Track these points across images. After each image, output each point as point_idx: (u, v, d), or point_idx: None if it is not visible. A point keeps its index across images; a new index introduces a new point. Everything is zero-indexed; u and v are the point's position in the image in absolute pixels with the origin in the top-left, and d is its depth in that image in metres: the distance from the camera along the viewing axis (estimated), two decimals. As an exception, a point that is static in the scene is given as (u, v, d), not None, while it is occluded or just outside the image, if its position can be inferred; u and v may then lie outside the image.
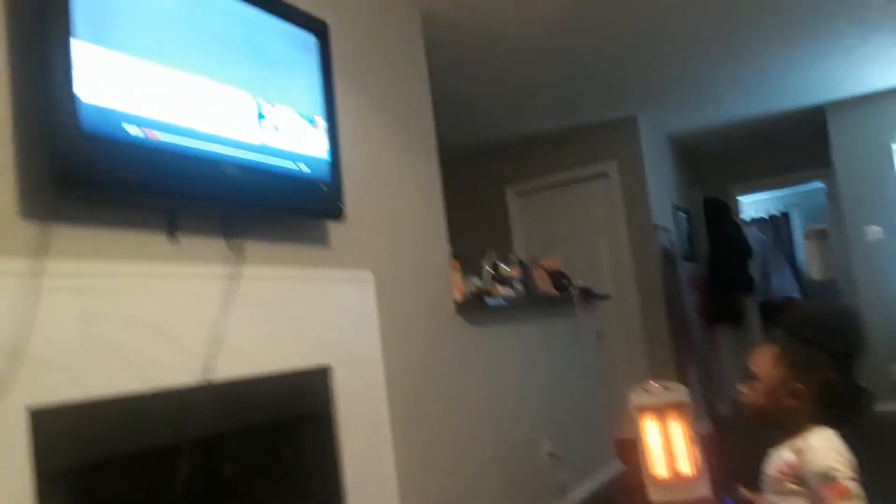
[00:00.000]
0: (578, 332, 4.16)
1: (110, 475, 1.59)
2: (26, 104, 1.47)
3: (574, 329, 4.11)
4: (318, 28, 2.19)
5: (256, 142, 1.87)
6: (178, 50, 1.68)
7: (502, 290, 3.29)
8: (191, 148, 1.68)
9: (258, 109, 1.89)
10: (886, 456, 3.62)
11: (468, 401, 2.97)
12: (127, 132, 1.53)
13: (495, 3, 3.25)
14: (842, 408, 1.46)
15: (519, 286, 3.48)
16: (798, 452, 1.44)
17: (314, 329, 2.15)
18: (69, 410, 1.45)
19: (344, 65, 2.50)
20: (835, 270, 6.91)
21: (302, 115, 2.06)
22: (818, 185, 6.60)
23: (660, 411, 3.57)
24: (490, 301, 3.15)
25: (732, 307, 6.44)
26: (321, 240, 2.29)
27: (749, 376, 1.57)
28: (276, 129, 1.94)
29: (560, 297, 3.88)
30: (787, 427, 1.50)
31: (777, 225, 8.16)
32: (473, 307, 3.07)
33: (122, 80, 1.53)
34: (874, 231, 5.49)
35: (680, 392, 3.59)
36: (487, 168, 5.93)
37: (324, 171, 2.12)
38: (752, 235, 7.20)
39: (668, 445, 3.53)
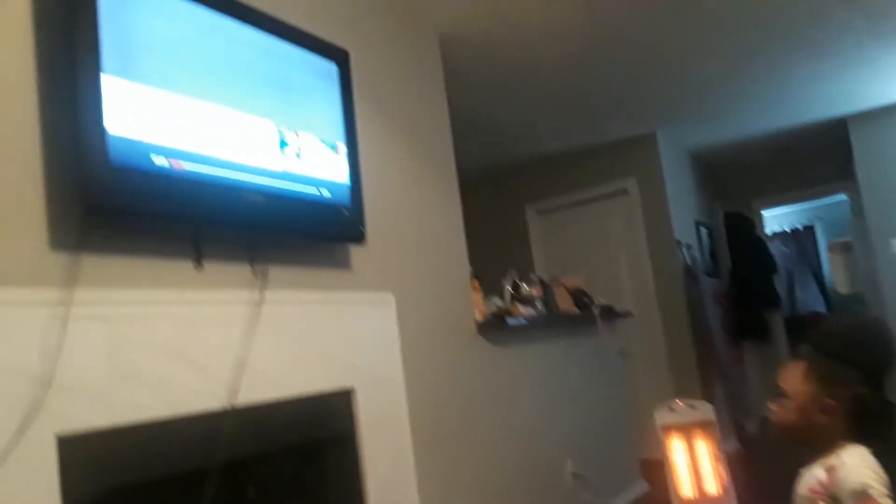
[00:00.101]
0: (601, 350, 4.14)
1: (137, 501, 1.60)
2: (56, 138, 1.51)
3: (597, 347, 4.09)
4: (339, 56, 2.23)
5: (279, 168, 1.91)
6: (202, 81, 1.72)
7: (523, 310, 3.28)
8: (215, 176, 1.71)
9: (281, 137, 1.93)
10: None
11: (490, 421, 2.96)
12: (153, 163, 1.56)
13: (512, 25, 3.27)
14: (873, 423, 1.43)
15: (540, 305, 3.47)
16: (830, 470, 1.42)
17: (337, 352, 2.17)
18: (96, 437, 1.47)
19: (364, 90, 2.54)
20: (861, 283, 6.81)
21: (324, 142, 2.09)
22: (842, 197, 6.53)
23: (686, 430, 3.53)
24: (511, 321, 3.14)
25: (758, 323, 6.36)
26: (343, 263, 2.31)
27: (778, 393, 1.55)
28: (299, 155, 1.98)
29: (582, 315, 3.86)
30: (818, 445, 1.48)
31: (801, 238, 8.07)
32: (494, 327, 3.07)
33: (148, 112, 1.57)
34: (900, 243, 5.42)
35: (706, 410, 3.55)
36: (507, 187, 5.95)
37: (345, 196, 2.15)
38: (775, 249, 7.13)
39: (695, 465, 3.48)
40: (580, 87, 4.22)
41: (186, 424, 1.67)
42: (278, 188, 1.89)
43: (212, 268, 1.83)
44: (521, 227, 5.89)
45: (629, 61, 3.92)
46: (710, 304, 5.52)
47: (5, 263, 1.40)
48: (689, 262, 5.38)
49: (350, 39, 2.51)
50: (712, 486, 3.41)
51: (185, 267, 1.76)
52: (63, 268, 1.48)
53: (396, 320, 2.46)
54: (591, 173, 5.60)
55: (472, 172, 5.58)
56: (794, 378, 1.52)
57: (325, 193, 2.06)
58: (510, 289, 3.38)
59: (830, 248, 7.94)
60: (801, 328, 6.67)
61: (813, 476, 1.47)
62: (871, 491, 1.33)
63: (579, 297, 3.93)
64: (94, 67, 1.46)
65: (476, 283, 3.06)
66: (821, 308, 7.67)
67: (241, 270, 1.91)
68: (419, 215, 2.80)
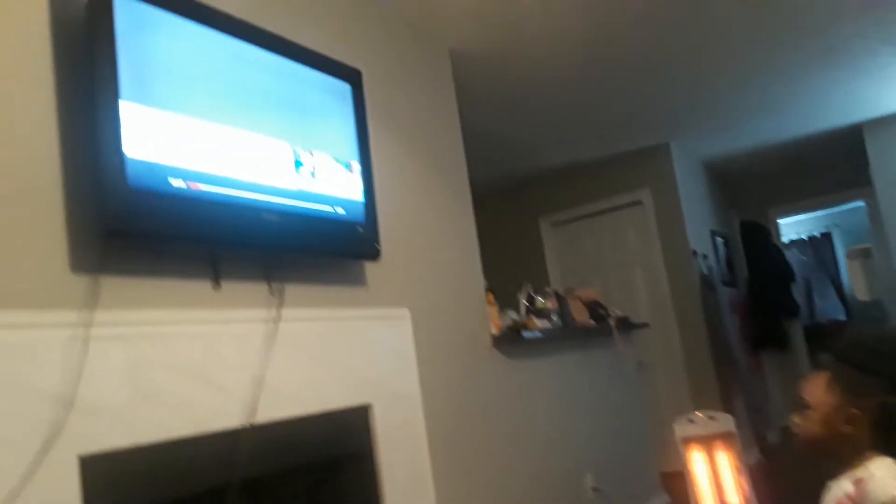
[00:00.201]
0: (618, 362, 4.12)
1: (158, 519, 1.62)
2: (76, 163, 1.55)
3: (614, 359, 4.07)
4: (352, 76, 2.26)
5: (294, 188, 1.93)
6: (218, 105, 1.75)
7: (539, 323, 3.28)
8: (232, 197, 1.74)
9: (296, 157, 1.95)
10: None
11: (508, 435, 2.96)
12: (171, 185, 1.59)
13: (523, 41, 3.30)
14: None
15: (555, 318, 3.47)
16: (858, 483, 1.38)
17: (353, 368, 2.18)
18: (118, 456, 1.49)
19: (377, 109, 2.57)
20: (880, 290, 6.74)
21: (338, 161, 2.11)
22: (859, 204, 6.49)
23: (706, 442, 3.51)
24: (527, 334, 3.14)
25: (776, 332, 6.31)
26: (358, 280, 2.33)
27: (801, 405, 1.52)
28: (313, 174, 2.00)
29: (598, 327, 3.85)
30: (844, 457, 1.44)
31: (818, 246, 8.01)
32: (510, 340, 3.07)
33: (165, 136, 1.60)
34: (919, 249, 5.37)
35: (726, 421, 3.53)
36: (520, 200, 5.96)
37: (359, 213, 2.17)
38: (793, 257, 7.08)
39: (716, 477, 3.46)
40: (592, 99, 4.23)
41: (206, 443, 1.68)
42: (294, 207, 1.92)
43: (229, 287, 1.85)
44: (536, 239, 5.89)
45: (641, 73, 3.93)
46: (727, 313, 5.49)
47: (28, 286, 1.42)
48: (705, 271, 5.35)
49: (363, 59, 2.55)
50: (734, 499, 3.39)
51: (203, 287, 1.78)
52: (84, 290, 1.51)
53: (412, 335, 2.47)
54: (604, 185, 5.60)
55: (485, 186, 5.61)
56: (817, 389, 1.49)
57: (340, 211, 2.08)
58: (525, 302, 3.38)
59: (848, 255, 7.87)
60: (820, 336, 6.61)
61: (841, 489, 1.43)
62: None
63: (595, 308, 3.92)
64: (113, 94, 1.49)
65: (491, 297, 3.06)
66: (840, 316, 7.60)
67: (259, 289, 1.93)
68: (433, 230, 2.82)
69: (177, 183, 1.60)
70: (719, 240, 6.05)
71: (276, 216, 1.85)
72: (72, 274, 1.50)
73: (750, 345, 6.04)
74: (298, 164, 1.95)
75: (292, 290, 2.02)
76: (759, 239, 6.45)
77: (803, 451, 1.51)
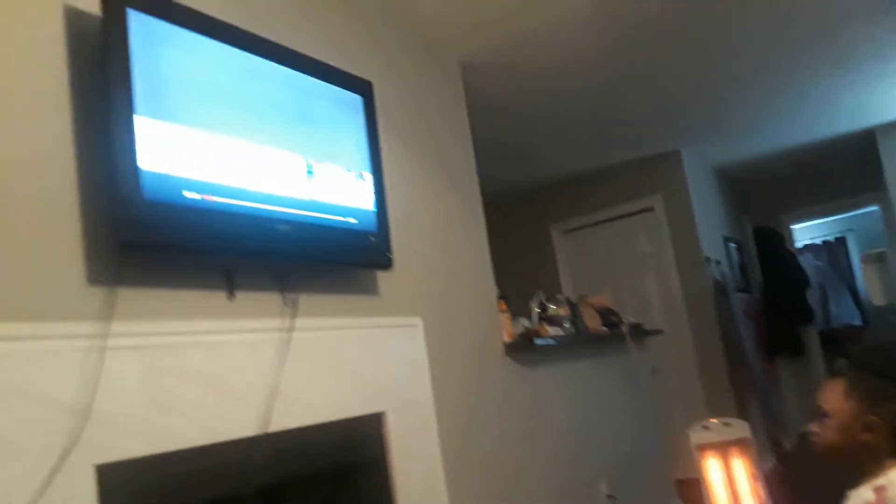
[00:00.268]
0: (632, 369, 4.11)
1: (175, 527, 1.63)
2: (92, 178, 1.57)
3: (627, 366, 4.06)
4: (363, 88, 2.28)
5: (307, 199, 1.95)
6: (231, 118, 1.77)
7: (551, 330, 3.28)
8: (246, 208, 1.76)
9: (308, 168, 1.97)
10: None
11: (521, 442, 2.96)
12: (185, 197, 1.61)
13: (534, 50, 3.31)
14: None
15: (568, 325, 3.47)
16: (879, 490, 1.36)
17: (367, 376, 2.19)
18: (134, 465, 1.50)
19: (388, 119, 2.60)
20: (896, 295, 6.68)
21: (350, 171, 2.13)
22: (873, 208, 6.44)
23: (721, 449, 3.49)
24: (539, 341, 3.15)
25: (791, 337, 6.27)
26: (371, 289, 2.34)
27: (819, 413, 1.50)
28: (325, 185, 2.02)
29: (610, 334, 3.85)
30: (864, 465, 1.42)
31: (833, 251, 7.95)
32: (522, 348, 3.08)
33: (179, 150, 1.62)
34: (935, 252, 5.33)
35: (741, 428, 3.51)
36: (532, 208, 5.97)
37: (371, 223, 2.18)
38: (807, 263, 7.04)
39: (732, 484, 3.44)
40: (603, 107, 4.24)
41: (221, 451, 1.70)
42: (306, 218, 1.93)
43: (243, 297, 1.87)
44: (547, 247, 5.89)
45: (651, 81, 3.93)
46: (741, 319, 5.46)
47: (45, 299, 1.44)
48: (718, 277, 5.33)
49: (374, 70, 2.58)
50: (750, 506, 3.36)
51: (217, 297, 1.80)
52: (100, 302, 1.53)
53: (425, 343, 2.49)
54: (615, 192, 5.60)
55: (496, 194, 5.62)
56: (834, 396, 1.47)
57: (352, 221, 2.10)
58: (537, 309, 3.38)
59: (864, 260, 7.81)
60: (836, 342, 6.56)
61: (861, 497, 1.40)
62: None
63: (607, 315, 3.92)
64: (128, 109, 1.52)
65: (503, 305, 3.07)
66: (856, 321, 7.53)
67: (272, 299, 1.95)
68: (445, 239, 2.83)
69: (191, 195, 1.62)
70: (732, 246, 6.02)
71: (289, 227, 1.87)
72: (88, 286, 1.52)
73: (765, 351, 6.00)
74: (311, 174, 1.97)
75: (306, 299, 2.04)
76: (772, 244, 6.42)
77: (822, 459, 1.49)
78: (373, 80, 2.36)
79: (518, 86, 3.71)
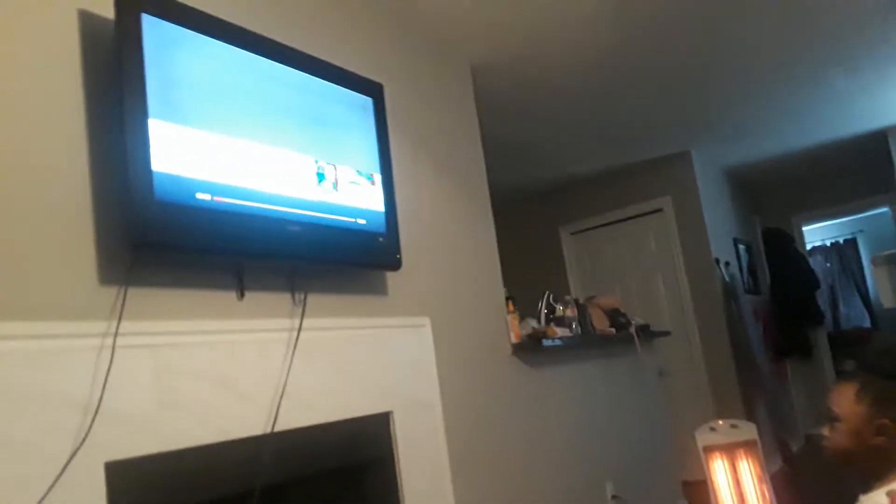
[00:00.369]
0: (639, 370, 4.11)
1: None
2: (105, 180, 1.59)
3: (635, 367, 4.06)
4: (374, 90, 2.29)
5: (317, 200, 1.96)
6: (243, 121, 1.79)
7: (559, 331, 3.29)
8: (256, 209, 1.77)
9: (319, 170, 1.99)
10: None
11: (527, 443, 2.97)
12: (197, 198, 1.63)
13: (544, 52, 3.31)
14: None
15: (575, 326, 3.47)
16: (893, 495, 1.36)
17: (375, 376, 2.21)
18: (143, 463, 1.53)
19: (399, 121, 2.61)
20: (907, 298, 6.64)
21: (360, 173, 2.15)
22: (884, 209, 6.41)
23: (728, 450, 3.49)
24: (546, 342, 3.15)
25: (800, 339, 6.25)
26: (379, 289, 2.36)
27: (830, 417, 1.49)
28: (336, 187, 2.03)
29: (618, 335, 3.85)
30: (877, 469, 1.42)
31: (842, 252, 7.92)
32: (530, 349, 3.08)
33: (192, 152, 1.64)
34: (947, 255, 5.29)
35: (748, 430, 3.50)
36: (540, 209, 5.97)
37: (381, 224, 2.20)
38: (817, 264, 7.01)
39: (738, 486, 3.44)
40: (613, 108, 4.24)
41: (229, 449, 1.71)
42: (317, 219, 1.95)
43: (253, 297, 1.89)
44: (556, 248, 5.89)
45: (661, 82, 3.92)
46: (750, 321, 5.45)
47: (57, 298, 1.46)
48: (727, 279, 5.32)
49: (385, 73, 2.60)
50: (756, 508, 3.36)
51: (227, 297, 1.82)
52: (111, 301, 1.55)
53: (433, 344, 2.50)
54: (625, 193, 5.59)
55: (505, 195, 5.63)
56: (845, 400, 1.47)
57: (362, 222, 2.12)
58: (545, 310, 3.39)
59: (874, 262, 7.76)
60: (845, 344, 6.54)
61: (874, 502, 1.40)
62: None
63: (615, 316, 3.92)
64: (141, 112, 1.54)
65: (511, 305, 3.08)
66: (865, 323, 7.50)
67: (282, 299, 1.97)
68: (453, 240, 2.84)
69: (203, 196, 1.64)
70: (742, 247, 6.01)
71: (299, 228, 1.89)
72: (100, 286, 1.54)
73: (773, 352, 5.98)
74: (321, 176, 1.99)
75: (315, 299, 2.06)
76: (782, 246, 6.40)
77: (833, 463, 1.48)
78: (383, 83, 2.37)
79: (528, 88, 3.72)
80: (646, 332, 4.11)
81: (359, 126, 2.19)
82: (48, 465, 1.36)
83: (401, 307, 2.43)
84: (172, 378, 1.62)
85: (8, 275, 1.40)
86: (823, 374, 6.33)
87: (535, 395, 3.11)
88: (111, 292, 1.56)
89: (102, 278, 1.55)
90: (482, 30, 3.03)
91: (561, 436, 3.23)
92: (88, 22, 1.65)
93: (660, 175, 5.43)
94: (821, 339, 6.46)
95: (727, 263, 5.44)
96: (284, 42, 2.02)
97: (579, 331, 3.50)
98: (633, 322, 4.01)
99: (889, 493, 1.37)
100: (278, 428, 1.83)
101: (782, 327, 6.16)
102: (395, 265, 2.26)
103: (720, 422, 3.59)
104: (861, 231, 7.84)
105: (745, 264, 5.98)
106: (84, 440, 1.42)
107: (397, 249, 2.25)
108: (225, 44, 1.79)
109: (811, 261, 6.86)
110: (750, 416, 4.92)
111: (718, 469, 3.49)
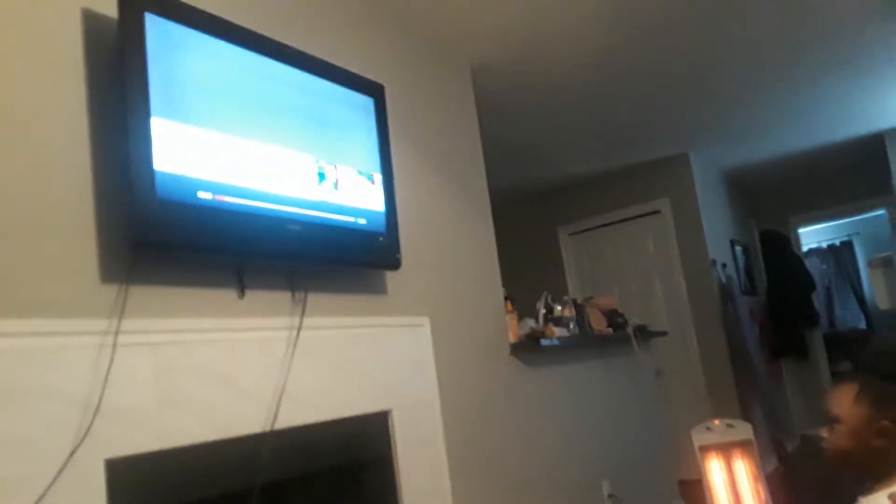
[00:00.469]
0: (636, 370, 4.12)
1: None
2: (107, 178, 1.60)
3: (632, 367, 4.07)
4: (375, 91, 2.30)
5: (318, 199, 1.97)
6: (245, 120, 1.80)
7: (557, 331, 3.30)
8: (257, 208, 1.78)
9: (319, 169, 2.00)
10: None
11: (525, 442, 2.98)
12: (199, 197, 1.63)
13: (543, 53, 3.32)
14: None
15: (573, 326, 3.48)
16: (894, 498, 1.36)
17: (374, 375, 2.22)
18: (143, 460, 1.53)
19: (399, 121, 2.62)
20: (903, 299, 6.67)
21: (360, 173, 2.15)
22: (880, 212, 6.43)
23: (724, 450, 3.49)
24: (544, 342, 3.16)
25: (796, 340, 6.27)
26: (379, 289, 2.36)
27: (830, 419, 1.48)
28: (336, 186, 2.04)
29: (616, 335, 3.86)
30: (878, 470, 1.41)
31: (839, 254, 7.94)
32: (528, 348, 3.09)
33: (194, 151, 1.64)
34: (942, 258, 5.32)
35: (744, 430, 3.51)
36: (539, 210, 5.98)
37: (381, 224, 2.21)
38: (813, 266, 7.03)
39: (734, 486, 3.44)
40: (611, 110, 4.24)
41: (229, 447, 1.72)
42: (317, 218, 1.96)
43: (253, 296, 1.89)
44: (554, 248, 5.91)
45: (660, 84, 3.93)
46: (746, 322, 5.46)
47: (59, 296, 1.47)
48: (724, 280, 5.34)
49: (386, 74, 2.60)
50: (752, 508, 3.37)
51: (228, 296, 1.83)
52: (112, 299, 1.55)
53: (431, 343, 2.51)
54: (623, 195, 5.61)
55: (504, 196, 5.64)
56: (844, 402, 1.46)
57: (362, 222, 2.12)
58: (543, 310, 3.40)
59: (870, 264, 7.79)
60: (840, 345, 6.56)
61: None
62: None
63: (613, 317, 3.93)
64: (144, 111, 1.54)
65: (509, 305, 3.09)
66: (861, 324, 7.52)
67: (282, 298, 1.97)
68: (453, 240, 2.85)
69: (204, 195, 1.65)
70: (739, 249, 6.02)
71: (299, 227, 1.89)
72: (101, 284, 1.55)
73: (769, 353, 6.00)
74: (322, 176, 2.00)
75: (315, 298, 2.07)
76: (778, 247, 6.42)
77: (833, 465, 1.47)
78: (384, 84, 2.38)
79: (527, 88, 3.72)
80: (643, 333, 4.13)
81: (359, 126, 2.20)
82: (49, 462, 1.37)
83: (400, 307, 2.44)
84: (173, 376, 1.62)
85: (10, 272, 1.40)
86: (819, 375, 6.35)
87: (533, 394, 3.12)
88: (112, 290, 1.56)
89: (104, 276, 1.56)
90: (482, 30, 3.04)
91: (558, 435, 3.24)
92: (92, 21, 1.65)
93: (658, 177, 5.44)
94: (816, 341, 6.48)
95: (724, 265, 5.46)
96: (286, 42, 2.03)
97: (577, 331, 3.51)
98: (630, 322, 4.02)
99: (891, 496, 1.36)
100: (278, 426, 1.84)
101: (778, 328, 6.17)
102: (395, 265, 2.27)
103: (716, 421, 3.59)
104: (857, 233, 7.86)
105: (741, 266, 5.99)
106: (84, 437, 1.42)
107: (397, 249, 2.26)
108: (227, 43, 1.80)
109: (807, 263, 6.88)
110: (746, 416, 4.94)
111: (714, 468, 3.49)
